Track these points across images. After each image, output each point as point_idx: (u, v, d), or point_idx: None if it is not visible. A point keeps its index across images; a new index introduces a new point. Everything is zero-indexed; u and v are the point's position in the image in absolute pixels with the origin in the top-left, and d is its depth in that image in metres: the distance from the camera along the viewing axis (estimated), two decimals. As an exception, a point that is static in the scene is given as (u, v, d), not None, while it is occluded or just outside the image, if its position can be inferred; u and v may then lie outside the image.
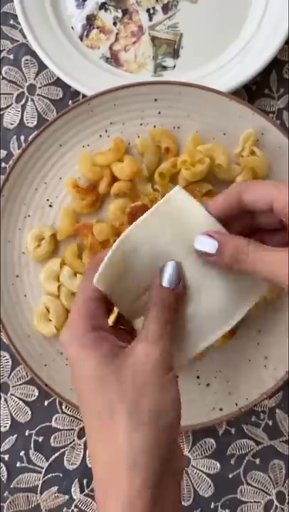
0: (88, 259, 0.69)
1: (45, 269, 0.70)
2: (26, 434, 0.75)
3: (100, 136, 0.70)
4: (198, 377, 0.70)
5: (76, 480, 0.74)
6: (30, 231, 0.70)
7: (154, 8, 0.76)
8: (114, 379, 0.45)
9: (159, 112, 0.70)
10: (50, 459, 0.74)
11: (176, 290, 0.50)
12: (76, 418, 0.74)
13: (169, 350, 0.47)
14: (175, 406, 0.46)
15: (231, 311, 0.51)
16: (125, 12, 0.77)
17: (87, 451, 0.74)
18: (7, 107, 0.77)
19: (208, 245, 0.49)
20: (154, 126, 0.70)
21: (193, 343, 0.51)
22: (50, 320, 0.69)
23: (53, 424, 0.75)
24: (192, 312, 0.50)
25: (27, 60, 0.77)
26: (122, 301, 0.51)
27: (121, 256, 0.49)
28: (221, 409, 0.69)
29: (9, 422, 0.75)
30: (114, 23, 0.77)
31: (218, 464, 0.74)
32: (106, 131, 0.70)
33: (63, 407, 0.75)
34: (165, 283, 0.49)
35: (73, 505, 0.74)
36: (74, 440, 0.75)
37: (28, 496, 0.74)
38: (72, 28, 0.77)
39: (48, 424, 0.75)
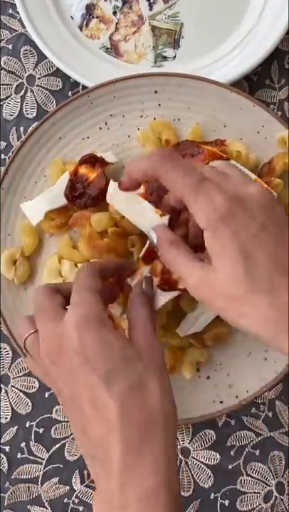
0: (86, 248, 0.68)
1: (47, 269, 0.69)
2: (27, 425, 0.75)
3: (100, 128, 0.70)
4: (198, 370, 0.70)
5: (77, 471, 0.75)
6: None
7: (154, -3, 0.76)
8: (135, 355, 0.50)
9: (159, 104, 0.69)
10: (51, 450, 0.75)
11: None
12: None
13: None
14: None
15: None
16: (125, 1, 0.76)
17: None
18: (6, 97, 0.76)
19: (153, 238, 0.58)
20: (154, 119, 0.70)
21: None
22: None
23: (54, 415, 0.75)
24: None
25: (26, 50, 0.76)
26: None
27: None
28: (221, 402, 0.69)
29: (10, 414, 0.75)
30: (114, 13, 0.76)
31: (218, 455, 0.75)
32: (106, 124, 0.70)
33: (64, 398, 0.75)
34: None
35: (74, 495, 0.75)
36: (74, 432, 0.75)
37: (29, 487, 0.75)
38: (71, 17, 0.76)
39: (48, 415, 0.75)
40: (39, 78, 0.76)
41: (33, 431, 0.75)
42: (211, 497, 0.74)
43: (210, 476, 0.74)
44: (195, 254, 0.53)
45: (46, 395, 0.75)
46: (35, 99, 0.76)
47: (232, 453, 0.75)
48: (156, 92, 0.69)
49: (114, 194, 0.61)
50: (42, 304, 0.52)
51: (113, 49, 0.76)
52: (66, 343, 0.49)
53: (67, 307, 0.52)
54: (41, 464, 0.75)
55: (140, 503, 0.46)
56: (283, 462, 0.75)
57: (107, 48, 0.76)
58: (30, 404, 0.75)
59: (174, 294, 0.59)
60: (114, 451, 0.46)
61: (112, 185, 0.61)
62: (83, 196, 0.67)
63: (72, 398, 0.49)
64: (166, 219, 0.58)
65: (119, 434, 0.47)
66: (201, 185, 0.50)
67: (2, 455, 0.75)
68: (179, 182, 0.51)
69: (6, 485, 0.75)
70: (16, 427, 0.75)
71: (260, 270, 0.48)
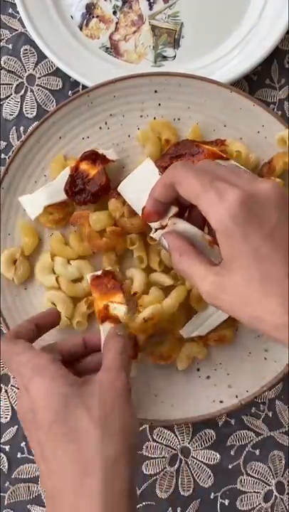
0: (78, 244, 0.68)
1: (38, 266, 0.69)
2: (27, 425, 0.75)
3: (100, 128, 0.70)
4: (198, 369, 0.70)
5: (77, 471, 0.75)
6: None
7: (154, -4, 0.76)
8: (80, 402, 0.50)
9: (159, 104, 0.69)
10: (51, 450, 0.75)
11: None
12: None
13: (128, 379, 0.53)
14: (136, 429, 0.53)
15: None
16: (125, 1, 0.76)
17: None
18: (6, 97, 0.76)
19: (164, 244, 0.57)
20: (154, 118, 0.70)
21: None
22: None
23: (54, 415, 0.75)
24: None
25: (26, 49, 0.76)
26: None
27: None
28: (221, 402, 0.69)
29: (10, 414, 0.75)
30: (114, 12, 0.76)
31: (218, 455, 0.74)
32: (106, 123, 0.70)
33: (64, 398, 0.75)
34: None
35: (74, 495, 0.75)
36: (74, 431, 0.75)
37: (29, 487, 0.75)
38: (71, 17, 0.76)
39: (48, 415, 0.75)
40: (39, 78, 0.76)
41: (33, 430, 0.75)
42: (211, 496, 0.74)
43: (210, 476, 0.74)
44: (208, 260, 0.52)
45: (46, 394, 0.75)
46: (35, 99, 0.76)
47: (232, 452, 0.75)
48: (156, 91, 0.69)
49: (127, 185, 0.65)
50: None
51: (113, 49, 0.76)
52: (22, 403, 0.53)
53: None
54: (41, 463, 0.75)
55: None
56: (283, 462, 0.75)
57: (107, 48, 0.76)
58: (30, 403, 0.75)
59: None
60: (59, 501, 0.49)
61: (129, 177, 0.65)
62: (83, 192, 0.67)
63: (41, 457, 0.51)
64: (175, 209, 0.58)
65: (58, 481, 0.49)
66: (213, 183, 0.49)
67: (2, 455, 0.75)
68: (191, 182, 0.50)
69: (6, 484, 0.75)
70: (16, 426, 0.75)
71: (275, 273, 0.46)
